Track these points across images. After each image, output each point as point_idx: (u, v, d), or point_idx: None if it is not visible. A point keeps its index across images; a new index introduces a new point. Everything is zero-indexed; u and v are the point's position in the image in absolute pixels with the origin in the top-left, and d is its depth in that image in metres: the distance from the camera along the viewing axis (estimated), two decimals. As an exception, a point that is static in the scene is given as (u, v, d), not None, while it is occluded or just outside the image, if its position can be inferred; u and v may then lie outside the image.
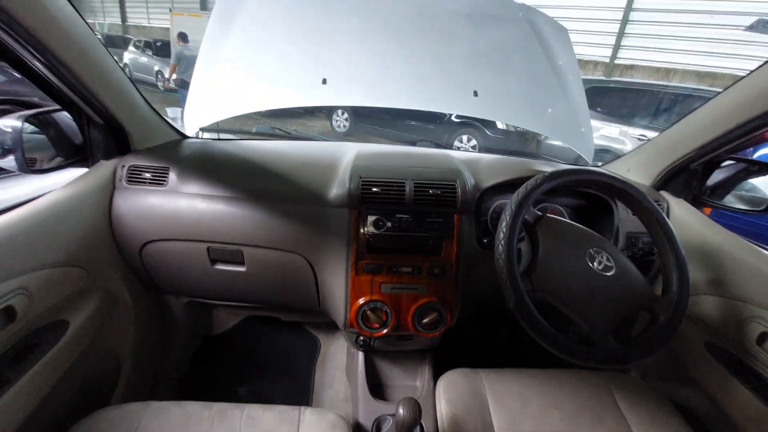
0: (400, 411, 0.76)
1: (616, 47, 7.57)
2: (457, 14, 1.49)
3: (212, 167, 1.04)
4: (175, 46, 6.90)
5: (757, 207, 1.05)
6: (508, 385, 0.93)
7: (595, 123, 4.71)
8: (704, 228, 1.01)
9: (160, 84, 9.05)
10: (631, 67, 7.55)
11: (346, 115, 6.74)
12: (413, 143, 2.00)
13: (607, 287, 0.80)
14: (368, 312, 0.94)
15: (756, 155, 3.06)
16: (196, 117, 1.26)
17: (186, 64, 5.99)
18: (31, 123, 0.88)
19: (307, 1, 1.42)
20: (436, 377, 1.00)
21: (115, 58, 0.96)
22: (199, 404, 0.83)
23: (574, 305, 0.79)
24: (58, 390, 0.83)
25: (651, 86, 5.34)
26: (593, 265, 0.82)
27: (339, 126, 6.87)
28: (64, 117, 0.95)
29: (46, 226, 0.81)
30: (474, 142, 5.60)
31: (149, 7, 13.62)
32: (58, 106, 0.91)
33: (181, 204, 0.98)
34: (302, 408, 0.84)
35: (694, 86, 5.53)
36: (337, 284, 0.98)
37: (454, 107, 1.66)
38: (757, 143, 1.06)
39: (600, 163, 1.42)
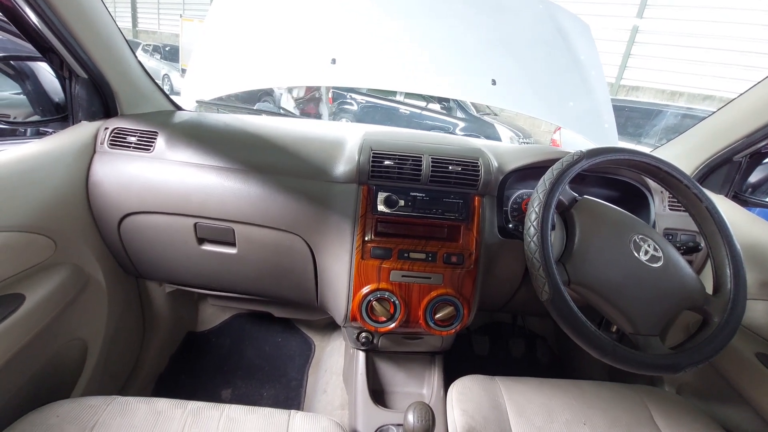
0: (410, 418, 0.66)
1: (622, 68, 7.61)
2: (475, 1, 1.42)
3: (206, 135, 0.93)
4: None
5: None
6: (530, 396, 0.82)
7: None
8: (753, 226, 0.90)
9: (166, 88, 9.17)
10: (637, 88, 7.58)
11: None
12: None
13: (654, 281, 0.70)
14: (374, 302, 0.83)
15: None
16: (195, 89, 1.16)
17: None
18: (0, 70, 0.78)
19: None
20: (446, 385, 0.90)
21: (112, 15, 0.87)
22: (171, 402, 0.71)
23: (615, 300, 0.69)
24: (6, 374, 0.71)
25: (658, 105, 5.34)
26: (638, 254, 0.71)
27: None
28: (44, 70, 0.86)
29: (9, 181, 0.71)
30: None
31: (160, 12, 13.80)
32: (36, 53, 0.81)
33: (168, 172, 0.87)
34: (292, 412, 0.72)
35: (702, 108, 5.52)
36: (339, 270, 0.86)
37: (470, 95, 1.58)
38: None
39: None
